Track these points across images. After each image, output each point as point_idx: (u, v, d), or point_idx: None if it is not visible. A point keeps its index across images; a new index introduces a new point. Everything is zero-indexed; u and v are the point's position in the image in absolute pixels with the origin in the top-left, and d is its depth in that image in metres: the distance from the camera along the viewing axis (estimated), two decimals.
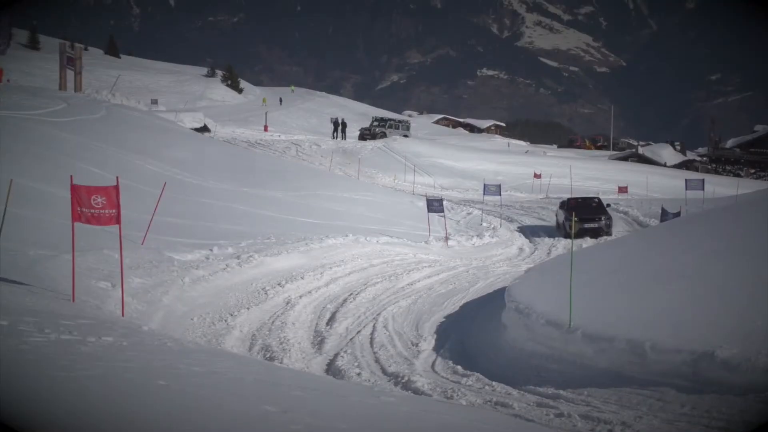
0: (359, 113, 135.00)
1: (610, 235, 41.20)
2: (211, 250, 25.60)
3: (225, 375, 11.18)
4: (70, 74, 70.11)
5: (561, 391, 14.77)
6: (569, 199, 46.17)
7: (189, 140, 53.81)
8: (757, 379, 13.12)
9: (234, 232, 29.11)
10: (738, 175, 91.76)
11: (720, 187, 59.98)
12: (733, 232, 21.80)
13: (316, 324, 21.11)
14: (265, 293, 23.04)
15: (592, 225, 41.64)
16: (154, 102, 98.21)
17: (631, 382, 14.83)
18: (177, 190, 33.04)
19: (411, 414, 10.96)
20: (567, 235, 40.75)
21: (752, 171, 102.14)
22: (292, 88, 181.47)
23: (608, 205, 46.13)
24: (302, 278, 24.96)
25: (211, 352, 14.97)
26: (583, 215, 40.36)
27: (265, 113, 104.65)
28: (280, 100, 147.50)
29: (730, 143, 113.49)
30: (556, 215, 45.19)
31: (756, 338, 13.82)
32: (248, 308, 21.49)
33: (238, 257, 25.37)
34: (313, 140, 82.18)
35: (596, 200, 45.31)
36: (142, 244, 24.44)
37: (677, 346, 15.15)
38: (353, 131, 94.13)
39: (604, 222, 42.11)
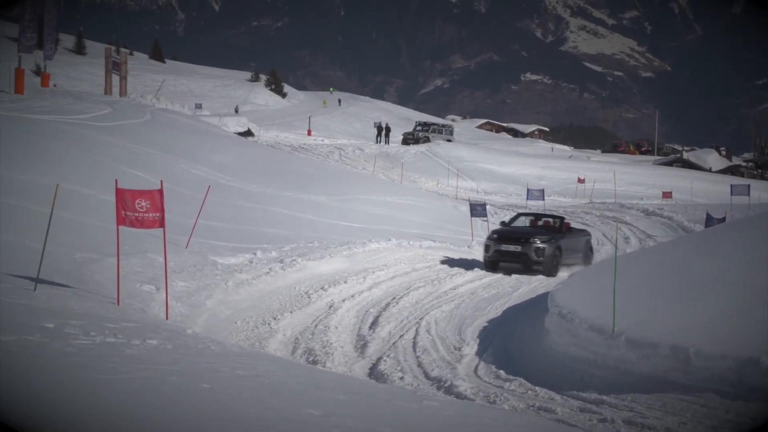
0: (402, 117, 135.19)
1: (548, 273, 29.57)
2: (255, 253, 25.72)
3: (268, 378, 11.24)
4: (115, 79, 70.68)
5: (604, 397, 14.71)
6: (518, 214, 34.58)
7: (233, 144, 54.09)
8: None
9: (277, 235, 29.25)
10: None
11: (766, 192, 59.44)
12: None
13: (359, 328, 21.13)
14: (308, 297, 23.11)
15: (511, 247, 29.83)
16: (199, 106, 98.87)
17: (674, 388, 14.75)
18: (220, 194, 33.25)
19: (453, 418, 10.98)
20: (491, 266, 30.15)
21: None
22: (332, 90, 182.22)
23: (566, 223, 33.22)
24: (345, 282, 25.01)
25: (255, 355, 15.05)
26: (510, 235, 30.37)
27: (309, 117, 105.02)
28: (339, 101, 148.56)
29: None
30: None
31: None
32: (291, 312, 21.56)
33: (281, 261, 25.47)
34: (357, 144, 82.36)
35: (557, 219, 33.47)
36: (186, 247, 24.61)
37: (722, 352, 15.05)
38: (397, 135, 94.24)
39: (540, 246, 29.67)
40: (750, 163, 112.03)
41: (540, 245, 29.43)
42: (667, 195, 59.72)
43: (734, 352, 14.86)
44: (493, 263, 29.80)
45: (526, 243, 29.36)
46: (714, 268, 20.41)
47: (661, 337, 16.41)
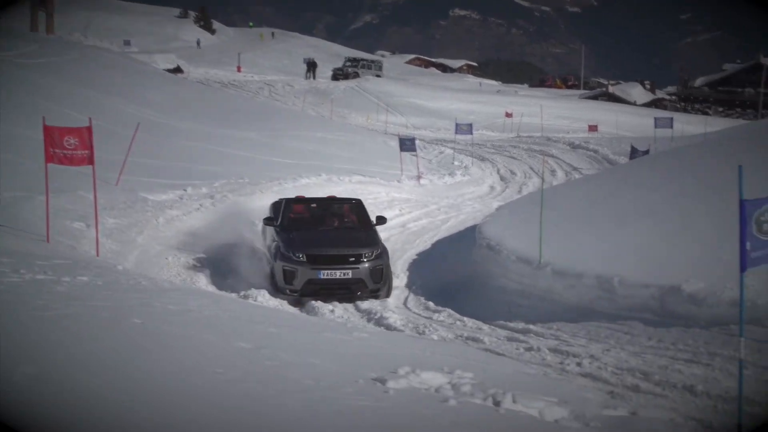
0: (332, 54, 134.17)
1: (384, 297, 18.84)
2: (185, 190, 25.63)
3: (200, 313, 11.32)
4: (41, 16, 69.20)
5: (531, 326, 15.02)
6: (287, 201, 21.36)
7: (162, 82, 53.46)
8: (722, 313, 13.41)
9: (208, 172, 29.12)
10: (706, 114, 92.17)
11: (689, 125, 60.15)
12: (701, 169, 22.02)
13: None
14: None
15: (341, 275, 18.44)
16: (127, 43, 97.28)
17: (599, 317, 15.12)
18: (151, 132, 32.92)
19: (383, 348, 11.17)
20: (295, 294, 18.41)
21: (720, 109, 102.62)
22: (251, 24, 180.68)
23: (381, 219, 20.80)
24: None
25: (186, 290, 15.12)
26: (326, 250, 18.66)
27: (239, 54, 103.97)
28: (273, 34, 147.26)
29: (699, 82, 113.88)
30: (264, 235, 21.24)
31: (721, 273, 14.08)
32: (222, 247, 21.58)
33: (211, 197, 25.42)
34: (286, 81, 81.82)
35: (354, 203, 21.62)
36: (116, 185, 24.45)
37: (645, 281, 15.43)
38: (326, 72, 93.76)
39: (368, 266, 18.52)
40: (673, 97, 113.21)
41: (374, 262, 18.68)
42: (592, 128, 60.20)
43: (657, 280, 15.24)
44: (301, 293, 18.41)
45: (356, 262, 18.47)
46: (638, 199, 20.78)
47: (586, 267, 16.76)
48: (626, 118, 71.09)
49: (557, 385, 10.37)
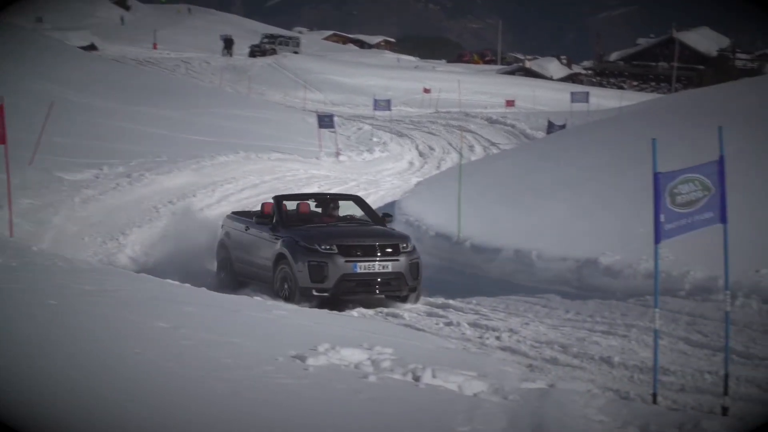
0: (249, 30, 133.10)
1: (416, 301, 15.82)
2: (101, 169, 25.26)
3: (117, 293, 11.20)
4: None
5: (450, 301, 15.10)
6: (280, 198, 17.31)
7: (76, 59, 52.59)
8: (638, 284, 13.64)
9: (124, 150, 28.72)
10: (621, 88, 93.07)
11: (604, 99, 60.81)
12: (617, 143, 22.32)
13: (209, 240, 21.09)
14: (157, 211, 22.90)
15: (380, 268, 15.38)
16: (39, 20, 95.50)
17: (518, 290, 15.27)
18: (65, 110, 32.35)
19: (302, 326, 11.16)
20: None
21: (635, 83, 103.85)
22: (163, 0, 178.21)
23: (388, 216, 17.58)
24: (194, 196, 24.82)
25: (103, 271, 14.94)
26: (359, 240, 15.65)
27: (154, 31, 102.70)
28: (189, 10, 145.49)
29: (614, 56, 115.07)
30: (230, 241, 18.15)
31: (637, 245, 14.30)
32: (140, 226, 21.37)
33: (128, 176, 25.10)
34: (203, 58, 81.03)
35: (355, 199, 18.76)
36: (30, 164, 24.01)
37: (562, 254, 15.63)
38: (243, 48, 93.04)
39: (407, 259, 15.48)
40: (589, 71, 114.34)
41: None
42: (510, 103, 60.53)
43: (574, 253, 15.45)
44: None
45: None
46: (555, 173, 21.01)
47: (505, 241, 16.92)
48: (543, 93, 71.68)
49: (477, 359, 10.45)
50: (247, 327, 10.46)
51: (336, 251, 15.05)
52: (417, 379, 8.07)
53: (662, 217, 8.71)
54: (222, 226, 18.43)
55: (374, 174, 33.48)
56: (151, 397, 6.51)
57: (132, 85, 45.82)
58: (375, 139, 41.90)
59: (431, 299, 15.60)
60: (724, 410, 8.47)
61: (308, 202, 17.66)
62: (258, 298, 14.26)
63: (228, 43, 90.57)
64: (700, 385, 9.76)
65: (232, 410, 6.54)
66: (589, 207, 17.78)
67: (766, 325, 11.61)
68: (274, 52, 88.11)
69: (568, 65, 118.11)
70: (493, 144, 42.10)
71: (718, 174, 8.79)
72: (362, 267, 15.12)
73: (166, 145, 31.40)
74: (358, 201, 18.13)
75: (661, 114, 25.80)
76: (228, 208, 24.24)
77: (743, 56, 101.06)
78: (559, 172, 20.88)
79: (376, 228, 16.46)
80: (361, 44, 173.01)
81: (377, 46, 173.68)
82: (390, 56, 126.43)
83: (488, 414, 7.16)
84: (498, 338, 12.25)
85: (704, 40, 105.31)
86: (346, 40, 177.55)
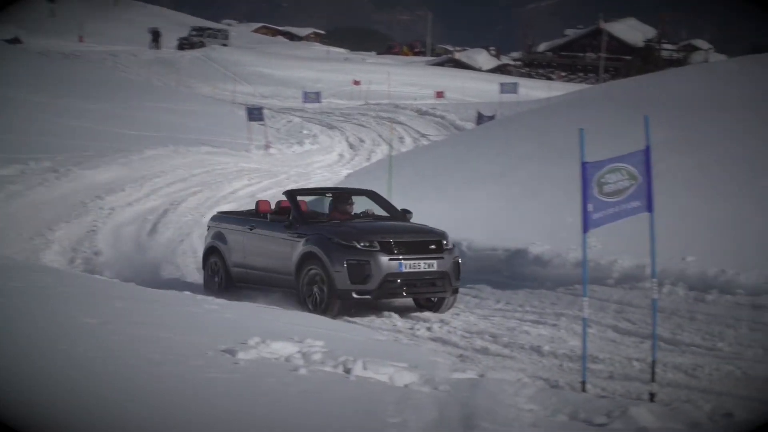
0: (178, 23, 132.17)
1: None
2: (27, 164, 24.88)
3: (44, 289, 11.04)
4: None
5: None
6: (291, 194, 15.61)
7: None
8: (567, 273, 13.77)
9: (51, 145, 28.32)
10: (550, 78, 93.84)
11: (533, 90, 61.38)
12: (546, 133, 22.47)
13: (138, 235, 20.91)
14: (84, 206, 22.62)
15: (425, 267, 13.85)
16: None
17: None
18: None
19: (233, 320, 11.10)
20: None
21: (563, 74, 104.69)
22: None
23: (408, 212, 15.75)
24: (123, 190, 24.54)
25: (30, 267, 14.73)
26: (400, 236, 14.12)
27: (80, 24, 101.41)
28: (115, 2, 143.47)
29: (542, 47, 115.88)
30: (223, 243, 16.04)
31: (566, 235, 14.42)
32: (67, 222, 21.07)
33: (55, 171, 24.73)
34: (131, 51, 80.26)
35: (372, 193, 16.50)
36: None
37: (493, 244, 15.73)
38: (172, 41, 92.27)
39: (450, 258, 14.11)
40: (518, 62, 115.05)
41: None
42: (439, 95, 60.68)
43: (504, 243, 15.56)
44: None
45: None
46: (485, 164, 21.12)
47: None
48: (472, 84, 72.09)
49: (408, 350, 10.49)
50: (177, 322, 10.37)
51: (378, 248, 13.54)
52: (348, 371, 8.06)
53: (590, 207, 8.79)
54: (209, 228, 16.64)
55: (304, 167, 33.40)
56: (77, 395, 6.42)
57: (58, 79, 45.27)
58: (305, 132, 41.82)
59: None
60: (652, 396, 8.58)
61: (305, 199, 15.68)
62: (187, 293, 14.12)
63: (156, 36, 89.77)
64: (629, 372, 9.89)
65: (160, 406, 6.47)
66: (519, 197, 17.90)
67: (693, 312, 11.78)
68: (202, 44, 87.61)
69: (497, 56, 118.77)
70: (423, 135, 42.20)
71: (645, 163, 8.88)
72: (407, 266, 13.57)
73: (94, 139, 31.05)
74: (374, 196, 16.15)
75: (588, 104, 26.03)
76: (158, 202, 24.07)
77: (669, 46, 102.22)
78: (489, 163, 20.99)
79: (411, 224, 15.06)
80: (291, 36, 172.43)
81: (307, 38, 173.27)
82: (319, 48, 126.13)
83: (419, 405, 7.17)
84: (429, 329, 12.32)
85: (631, 30, 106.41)
86: (275, 33, 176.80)
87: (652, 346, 9.11)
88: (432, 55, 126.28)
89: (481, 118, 38.62)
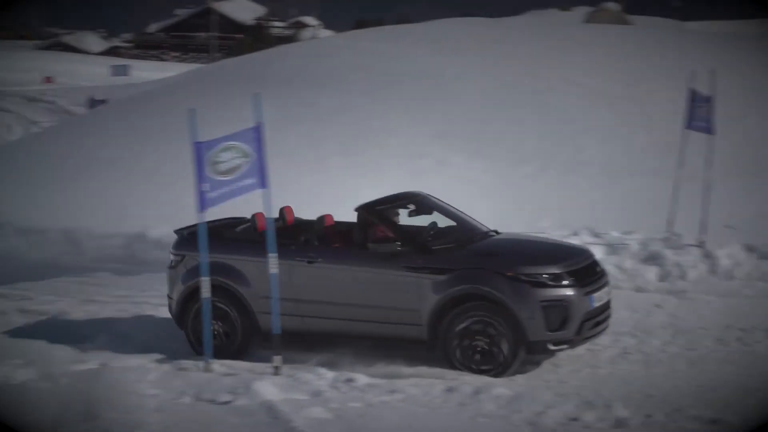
0: None
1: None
2: None
3: None
4: None
5: None
6: (372, 210, 10.41)
7: None
8: None
9: None
10: (162, 59, 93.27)
11: (146, 71, 60.73)
12: (161, 114, 22.32)
13: None
14: None
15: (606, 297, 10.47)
16: None
17: (67, 272, 14.87)
18: None
19: None
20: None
21: (175, 54, 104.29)
22: None
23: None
24: None
25: None
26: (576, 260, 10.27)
27: None
28: None
29: (153, 28, 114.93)
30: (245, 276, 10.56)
31: (185, 215, 13.97)
32: None
33: None
34: None
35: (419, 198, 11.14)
36: None
37: (111, 231, 15.47)
38: None
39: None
40: (129, 44, 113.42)
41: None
42: (48, 80, 58.84)
43: (122, 229, 15.34)
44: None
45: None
46: (100, 149, 20.72)
47: (51, 222, 16.47)
48: (82, 68, 70.33)
49: (24, 345, 10.05)
50: None
51: (569, 281, 9.93)
52: None
53: (205, 186, 8.80)
54: (179, 259, 11.36)
55: None
56: None
57: None
58: None
59: None
60: (276, 370, 8.69)
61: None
62: None
63: None
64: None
65: None
66: (137, 181, 17.72)
67: None
68: None
69: (108, 39, 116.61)
70: (34, 123, 40.91)
71: (257, 140, 8.97)
72: (597, 299, 10.23)
73: None
74: (421, 199, 11.22)
75: (202, 83, 26.10)
76: None
77: (278, 24, 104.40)
78: (104, 148, 20.60)
79: (551, 240, 11.56)
80: None
81: None
82: None
83: (38, 401, 6.95)
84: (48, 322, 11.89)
85: (241, 9, 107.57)
86: None
87: (273, 321, 9.15)
88: (39, 39, 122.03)
89: (93, 103, 37.85)
